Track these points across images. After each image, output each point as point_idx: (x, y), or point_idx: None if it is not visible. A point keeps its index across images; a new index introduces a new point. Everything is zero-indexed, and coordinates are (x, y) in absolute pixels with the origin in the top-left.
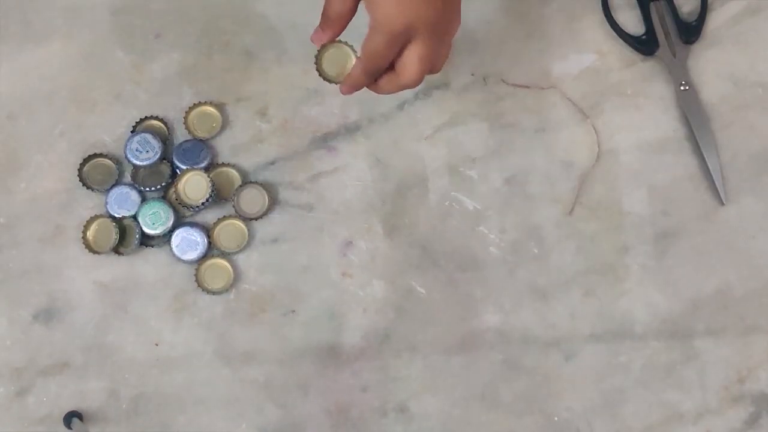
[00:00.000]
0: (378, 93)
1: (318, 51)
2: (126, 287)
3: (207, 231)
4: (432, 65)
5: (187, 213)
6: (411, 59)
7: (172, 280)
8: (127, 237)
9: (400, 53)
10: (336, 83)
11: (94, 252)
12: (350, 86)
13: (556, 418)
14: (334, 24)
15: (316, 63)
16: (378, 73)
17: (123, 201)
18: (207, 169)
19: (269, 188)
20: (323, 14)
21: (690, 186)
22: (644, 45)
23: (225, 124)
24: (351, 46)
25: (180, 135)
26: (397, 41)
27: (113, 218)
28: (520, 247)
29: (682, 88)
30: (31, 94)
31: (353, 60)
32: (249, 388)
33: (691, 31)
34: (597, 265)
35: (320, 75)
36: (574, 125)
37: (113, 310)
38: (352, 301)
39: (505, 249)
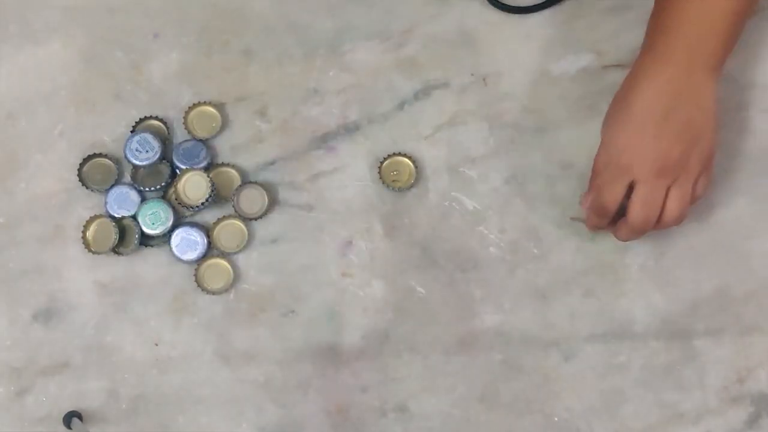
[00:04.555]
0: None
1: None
2: (125, 287)
3: (207, 231)
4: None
5: (187, 213)
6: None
7: (172, 280)
8: (127, 237)
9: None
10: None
11: (94, 252)
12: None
13: (556, 418)
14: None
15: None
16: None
17: (123, 201)
18: (207, 169)
19: (269, 188)
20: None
21: None
22: None
23: (225, 124)
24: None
25: (180, 135)
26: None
27: (113, 218)
28: (520, 247)
29: None
30: (31, 94)
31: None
32: (249, 388)
33: None
34: (597, 265)
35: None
36: (574, 125)
37: (113, 310)
38: (351, 301)
39: (505, 249)
